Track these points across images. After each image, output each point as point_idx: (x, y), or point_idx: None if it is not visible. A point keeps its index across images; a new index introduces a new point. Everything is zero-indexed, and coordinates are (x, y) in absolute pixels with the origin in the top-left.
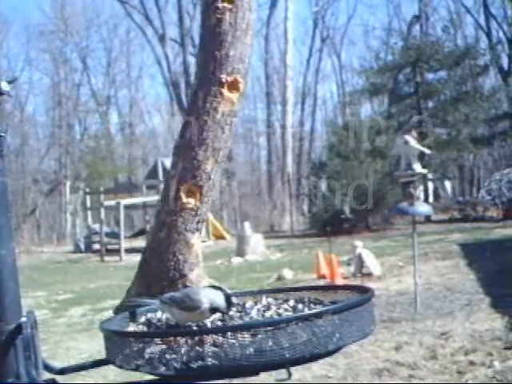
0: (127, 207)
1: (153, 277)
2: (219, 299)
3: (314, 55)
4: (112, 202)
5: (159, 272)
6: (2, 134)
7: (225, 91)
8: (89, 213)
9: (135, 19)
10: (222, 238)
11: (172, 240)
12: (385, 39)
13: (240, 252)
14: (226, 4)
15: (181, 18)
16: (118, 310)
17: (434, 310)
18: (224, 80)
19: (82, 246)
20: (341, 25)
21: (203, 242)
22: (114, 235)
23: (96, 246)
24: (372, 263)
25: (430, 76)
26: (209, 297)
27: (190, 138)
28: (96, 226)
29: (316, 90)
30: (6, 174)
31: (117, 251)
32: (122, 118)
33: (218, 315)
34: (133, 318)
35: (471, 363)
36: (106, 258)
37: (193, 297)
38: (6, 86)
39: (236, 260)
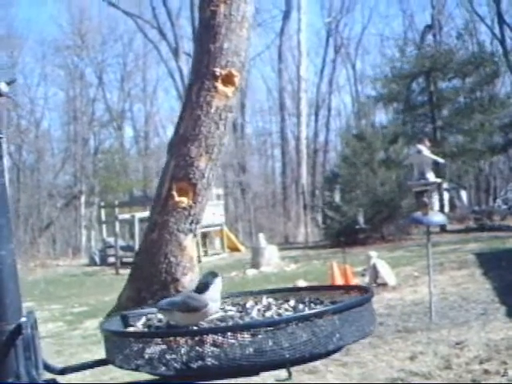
0: (142, 220)
1: (144, 281)
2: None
3: (327, 66)
4: (127, 216)
5: (150, 275)
6: (1, 136)
7: (219, 85)
8: (104, 226)
9: (149, 33)
10: (237, 250)
11: (163, 241)
12: (399, 49)
13: (255, 264)
14: None
15: (194, 31)
16: (107, 318)
17: (449, 320)
18: (218, 73)
19: (97, 260)
20: (355, 35)
21: (217, 254)
22: (129, 248)
23: (111, 259)
24: (387, 273)
25: (443, 85)
26: (210, 296)
27: (182, 134)
28: (111, 240)
29: (330, 101)
30: (4, 175)
31: (131, 264)
32: (137, 131)
33: (217, 315)
34: (125, 323)
35: (486, 372)
36: (121, 271)
37: (196, 297)
38: (5, 88)
39: (251, 272)
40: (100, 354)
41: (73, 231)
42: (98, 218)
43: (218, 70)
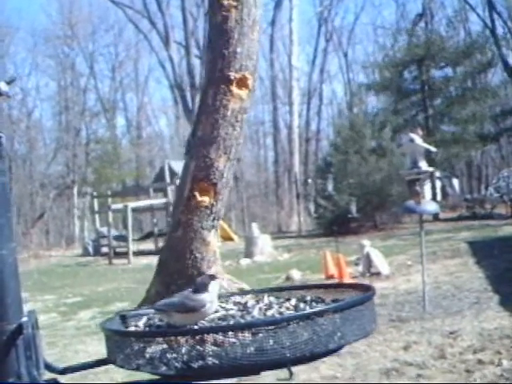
0: (135, 210)
1: (171, 276)
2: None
3: (319, 55)
4: (120, 205)
5: (177, 271)
6: (1, 134)
7: (234, 88)
8: (97, 216)
9: (140, 23)
10: (230, 239)
11: (188, 238)
12: (392, 36)
13: (248, 253)
14: (231, 1)
15: (185, 20)
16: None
17: (442, 309)
18: (232, 77)
19: (91, 250)
20: (347, 24)
21: None
22: (122, 238)
23: (104, 250)
24: (380, 262)
25: (436, 73)
26: (208, 296)
27: (201, 137)
28: (104, 230)
29: (321, 90)
30: (5, 174)
31: (125, 254)
32: (129, 121)
33: (218, 314)
34: (124, 322)
35: (480, 362)
36: (115, 261)
37: (193, 297)
38: (4, 87)
39: (244, 261)
40: (94, 345)
41: (66, 221)
42: (90, 207)
43: (232, 74)
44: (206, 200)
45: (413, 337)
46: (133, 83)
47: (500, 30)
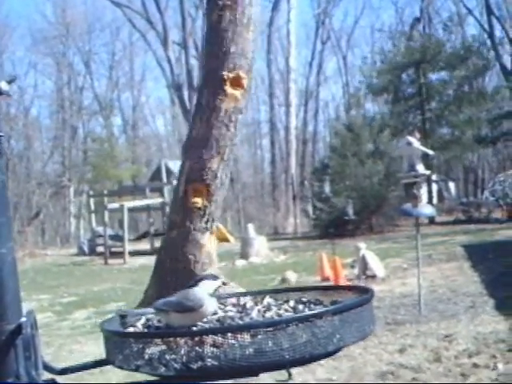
0: (131, 210)
1: (167, 276)
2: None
3: (316, 57)
4: (116, 205)
5: (172, 272)
6: (1, 134)
7: (227, 88)
8: (93, 215)
9: (138, 23)
10: (226, 240)
11: (182, 240)
12: (391, 40)
13: (244, 254)
14: (225, 0)
15: (183, 21)
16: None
17: (438, 313)
18: (226, 77)
19: (86, 249)
20: (346, 27)
21: None
22: (118, 238)
23: (100, 249)
24: (376, 265)
25: (433, 77)
26: (206, 295)
27: (195, 137)
28: (100, 229)
29: (318, 92)
30: (4, 172)
31: (121, 254)
32: (125, 120)
33: (217, 315)
34: (123, 323)
35: (475, 366)
36: (110, 261)
37: (191, 297)
38: (5, 86)
39: (240, 262)
40: (89, 345)
41: (62, 220)
42: (86, 207)
43: (225, 74)
44: (198, 201)
45: (408, 340)
46: (129, 82)
47: (498, 34)
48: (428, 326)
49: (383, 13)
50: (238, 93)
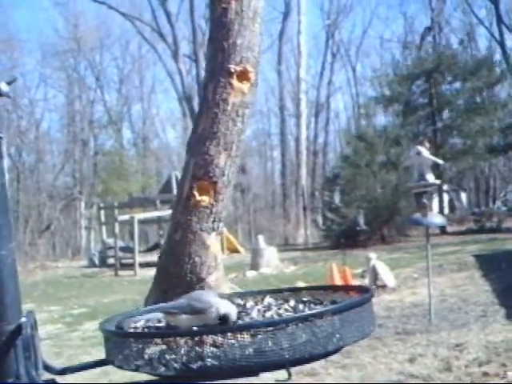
0: (141, 222)
1: (169, 282)
2: (229, 307)
3: (327, 68)
4: (126, 217)
5: (176, 276)
6: (1, 135)
7: (234, 81)
8: (103, 228)
9: (148, 35)
10: (237, 251)
11: (187, 241)
12: (401, 50)
13: (254, 265)
14: None
15: (194, 33)
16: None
17: (448, 322)
18: (233, 70)
19: (97, 261)
20: (355, 37)
21: None
22: (129, 250)
23: (110, 261)
24: (386, 275)
25: (444, 87)
26: (216, 300)
27: (200, 133)
28: (110, 241)
29: (329, 103)
30: (5, 175)
31: (131, 265)
32: (136, 133)
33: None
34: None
35: (485, 374)
36: (121, 273)
37: (201, 299)
38: (5, 87)
39: (250, 273)
40: (99, 356)
41: (72, 232)
42: (97, 219)
43: (232, 67)
44: (205, 199)
45: (418, 349)
46: (139, 95)
47: (509, 43)
48: (438, 336)
49: (392, 23)
50: (245, 86)
